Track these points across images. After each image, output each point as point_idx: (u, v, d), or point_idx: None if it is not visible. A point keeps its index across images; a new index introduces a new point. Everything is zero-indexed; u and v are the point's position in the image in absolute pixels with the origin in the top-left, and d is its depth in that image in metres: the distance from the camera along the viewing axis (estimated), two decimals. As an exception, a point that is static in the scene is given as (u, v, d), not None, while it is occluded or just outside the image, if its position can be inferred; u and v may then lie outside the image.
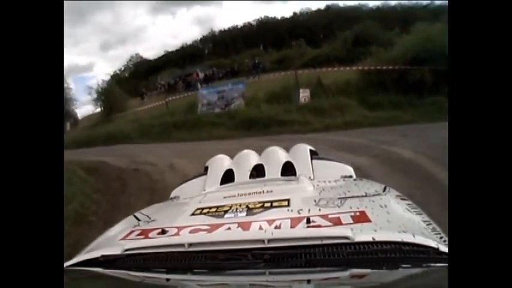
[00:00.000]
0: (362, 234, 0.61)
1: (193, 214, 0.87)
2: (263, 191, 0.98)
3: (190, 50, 39.07)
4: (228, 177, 1.39)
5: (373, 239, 0.60)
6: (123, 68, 40.65)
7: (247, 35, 37.17)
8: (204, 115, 9.66)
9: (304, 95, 8.75)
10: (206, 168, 1.51)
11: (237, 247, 0.63)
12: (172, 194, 1.43)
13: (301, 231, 0.66)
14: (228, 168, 1.45)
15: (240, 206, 0.86)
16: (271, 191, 0.97)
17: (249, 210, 0.82)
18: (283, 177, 1.32)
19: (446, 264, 0.50)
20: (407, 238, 0.60)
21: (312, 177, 1.27)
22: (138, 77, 32.77)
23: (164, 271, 0.62)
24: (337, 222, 0.69)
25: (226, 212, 0.83)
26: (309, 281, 0.56)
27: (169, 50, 41.17)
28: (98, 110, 17.12)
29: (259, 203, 0.86)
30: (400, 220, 0.72)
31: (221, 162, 1.54)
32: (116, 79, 34.97)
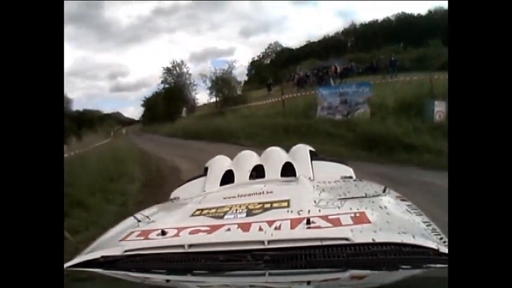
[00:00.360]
0: (362, 235, 0.61)
1: (193, 215, 0.87)
2: (263, 192, 0.98)
3: (333, 41, 37.52)
4: (227, 178, 1.39)
5: (373, 240, 0.60)
6: (261, 56, 39.81)
7: (387, 30, 35.32)
8: (321, 121, 7.84)
9: (439, 109, 6.72)
10: (206, 169, 1.51)
11: (237, 248, 0.63)
12: (172, 195, 1.43)
13: (301, 232, 0.66)
14: (228, 169, 1.45)
15: (240, 206, 0.86)
16: (271, 192, 0.97)
17: (249, 211, 0.82)
18: (283, 178, 1.32)
19: (446, 265, 0.50)
20: (407, 239, 0.60)
21: (311, 178, 1.27)
22: (278, 65, 31.98)
23: (164, 272, 0.62)
24: (337, 223, 0.69)
25: (226, 213, 0.83)
26: (308, 282, 0.56)
27: (312, 40, 39.48)
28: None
29: (259, 203, 0.86)
30: (400, 221, 0.72)
31: (221, 163, 1.53)
32: (257, 65, 35.19)
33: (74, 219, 3.64)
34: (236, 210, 0.84)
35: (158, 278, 0.62)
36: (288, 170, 1.37)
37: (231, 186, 1.31)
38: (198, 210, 0.89)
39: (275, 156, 1.51)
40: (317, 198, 0.87)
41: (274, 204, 0.84)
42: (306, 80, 16.27)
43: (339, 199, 0.85)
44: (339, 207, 0.78)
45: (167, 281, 0.61)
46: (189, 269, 0.62)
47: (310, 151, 1.52)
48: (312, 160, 1.43)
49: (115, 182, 5.41)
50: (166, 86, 22.57)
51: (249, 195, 0.97)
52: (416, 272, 0.56)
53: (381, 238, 0.60)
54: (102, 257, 0.68)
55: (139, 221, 0.91)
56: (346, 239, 0.60)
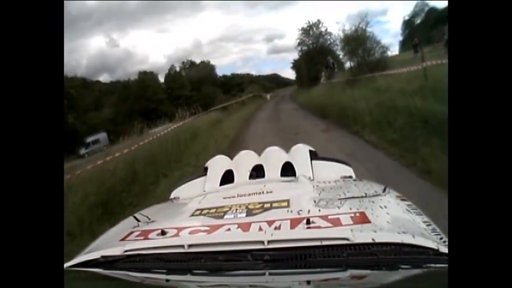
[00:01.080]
0: (362, 235, 0.61)
1: (193, 215, 0.87)
2: (263, 192, 0.98)
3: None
4: (227, 177, 1.39)
5: (373, 240, 0.59)
6: (411, 15, 37.50)
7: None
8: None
9: None
10: (206, 169, 1.51)
11: (236, 248, 0.63)
12: (172, 195, 1.43)
13: (301, 232, 0.66)
14: (227, 168, 1.45)
15: (240, 206, 0.86)
16: (271, 192, 0.97)
17: (249, 211, 0.82)
18: (283, 178, 1.31)
19: (446, 265, 0.50)
20: (407, 239, 0.60)
21: (311, 178, 1.27)
22: (428, 25, 29.83)
23: (164, 272, 0.62)
24: (337, 223, 0.69)
25: (226, 212, 0.83)
26: (308, 282, 0.56)
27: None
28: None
29: (259, 203, 0.86)
30: (400, 221, 0.72)
31: (221, 163, 1.53)
32: (410, 25, 34.02)
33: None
34: (236, 210, 0.84)
35: (158, 278, 0.62)
36: (288, 170, 1.37)
37: (230, 186, 1.31)
38: (197, 210, 0.89)
39: (275, 156, 1.51)
40: (317, 198, 0.87)
41: (274, 204, 0.84)
42: (452, 42, 13.60)
43: (339, 199, 0.85)
44: (338, 207, 0.78)
45: (167, 280, 0.61)
46: (189, 269, 0.62)
47: (310, 151, 1.52)
48: (311, 160, 1.43)
49: (131, 204, 4.03)
50: (304, 48, 20.91)
51: (249, 195, 0.97)
52: (416, 272, 0.56)
53: (380, 238, 0.60)
54: (102, 256, 0.68)
55: (139, 220, 0.91)
56: (346, 239, 0.60)
